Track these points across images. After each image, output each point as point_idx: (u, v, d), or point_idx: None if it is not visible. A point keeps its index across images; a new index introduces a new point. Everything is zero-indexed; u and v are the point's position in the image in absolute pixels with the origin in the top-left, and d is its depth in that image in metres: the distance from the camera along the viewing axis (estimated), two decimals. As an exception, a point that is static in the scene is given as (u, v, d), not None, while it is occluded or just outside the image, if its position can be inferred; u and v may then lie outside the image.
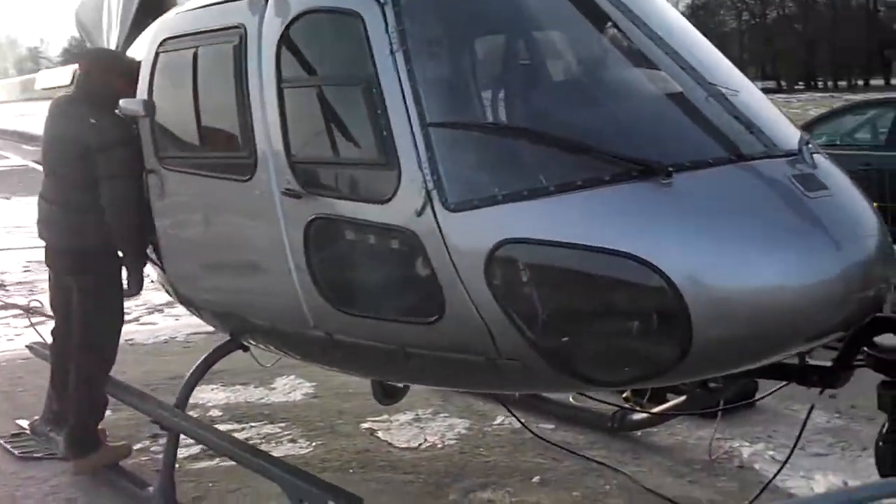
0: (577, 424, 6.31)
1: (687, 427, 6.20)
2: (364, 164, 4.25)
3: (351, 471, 5.72)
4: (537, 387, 4.66)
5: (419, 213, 3.93)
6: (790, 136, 4.11)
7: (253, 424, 6.51)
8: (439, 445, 6.13)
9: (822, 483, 5.33)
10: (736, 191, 3.77)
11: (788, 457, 4.82)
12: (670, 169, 3.68)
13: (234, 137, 4.67)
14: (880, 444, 4.34)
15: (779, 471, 4.97)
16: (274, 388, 7.30)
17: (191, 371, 5.37)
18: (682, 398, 5.73)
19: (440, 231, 3.90)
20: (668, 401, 6.06)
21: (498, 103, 4.40)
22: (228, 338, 5.36)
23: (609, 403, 5.90)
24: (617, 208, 3.73)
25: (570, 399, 6.52)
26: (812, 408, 4.64)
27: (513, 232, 3.80)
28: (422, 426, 6.44)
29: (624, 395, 6.28)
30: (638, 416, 6.07)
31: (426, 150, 3.91)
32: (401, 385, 5.45)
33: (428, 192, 3.90)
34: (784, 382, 4.57)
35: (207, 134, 4.95)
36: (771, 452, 5.82)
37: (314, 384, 7.33)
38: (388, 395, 5.46)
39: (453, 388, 5.72)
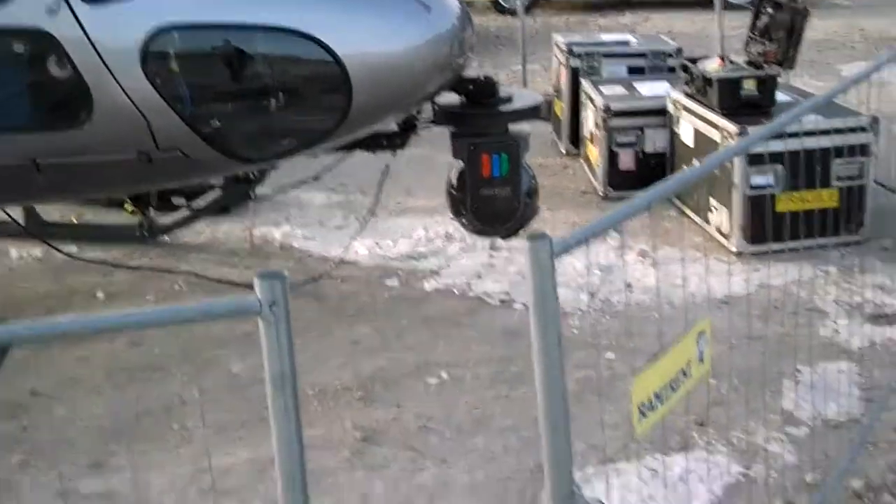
0: (100, 241, 6.20)
1: (205, 225, 6.40)
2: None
3: None
4: (192, 175, 4.60)
5: (52, 11, 3.67)
6: None
7: None
8: (-32, 290, 5.71)
9: (364, 245, 5.94)
10: None
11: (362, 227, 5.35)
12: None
13: None
14: (453, 192, 5.03)
15: (346, 246, 5.48)
16: None
17: None
18: (216, 193, 5.94)
19: (82, 27, 3.70)
20: (174, 206, 6.21)
21: None
22: None
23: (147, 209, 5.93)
24: None
25: (73, 220, 6.41)
26: (387, 169, 5.18)
27: (169, 17, 3.75)
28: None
29: (125, 206, 6.31)
30: (167, 220, 6.13)
31: None
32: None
33: None
34: (347, 153, 5.07)
35: None
36: (299, 231, 6.30)
37: None
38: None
39: (92, 194, 5.34)
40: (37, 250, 5.97)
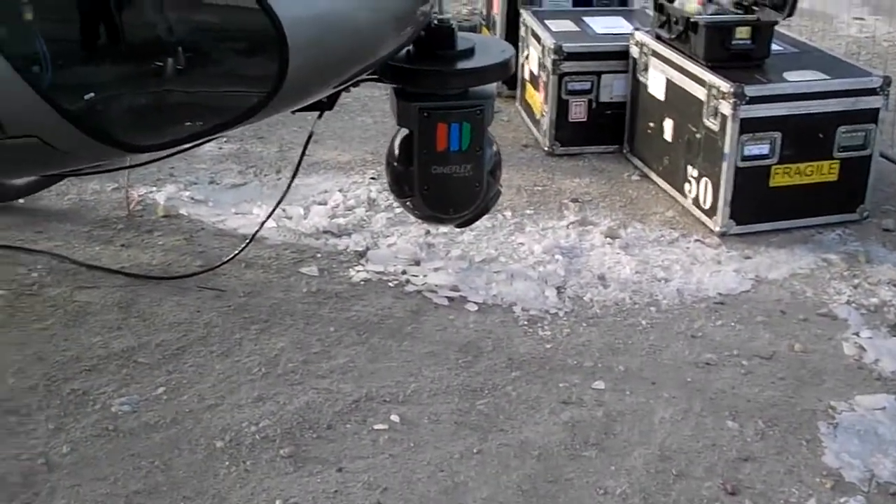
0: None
1: (70, 184, 5.19)
2: None
3: None
4: (57, 167, 3.38)
5: None
6: None
7: None
8: None
9: (263, 209, 4.82)
10: None
11: (287, 188, 4.24)
12: None
13: None
14: (395, 165, 3.95)
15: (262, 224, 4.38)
16: None
17: None
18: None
19: None
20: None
21: None
22: None
23: None
24: None
25: None
26: (310, 137, 4.06)
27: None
28: None
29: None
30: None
31: None
32: None
33: None
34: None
35: None
36: (186, 192, 5.16)
37: None
38: None
39: None
40: None
